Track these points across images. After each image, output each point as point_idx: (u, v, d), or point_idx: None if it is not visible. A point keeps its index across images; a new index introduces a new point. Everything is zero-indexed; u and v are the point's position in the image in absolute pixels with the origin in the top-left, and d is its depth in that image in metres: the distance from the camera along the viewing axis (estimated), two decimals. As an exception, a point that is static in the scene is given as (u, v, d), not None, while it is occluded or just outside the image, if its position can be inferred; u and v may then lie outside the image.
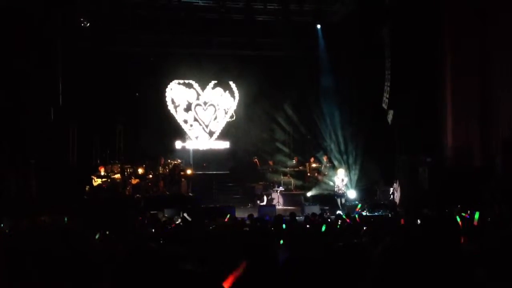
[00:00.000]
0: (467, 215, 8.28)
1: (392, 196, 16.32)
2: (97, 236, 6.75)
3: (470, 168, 14.30)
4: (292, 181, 18.79)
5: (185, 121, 20.79)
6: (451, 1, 15.25)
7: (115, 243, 6.07)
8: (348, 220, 9.62)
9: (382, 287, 2.97)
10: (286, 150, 20.74)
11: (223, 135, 21.18)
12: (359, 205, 14.90)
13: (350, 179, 17.28)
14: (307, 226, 8.97)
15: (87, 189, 16.34)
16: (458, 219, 5.82)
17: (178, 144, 20.32)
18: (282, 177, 18.94)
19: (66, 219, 9.23)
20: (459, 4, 15.03)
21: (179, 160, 18.23)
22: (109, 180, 16.75)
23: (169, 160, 17.96)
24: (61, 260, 4.03)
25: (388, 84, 16.23)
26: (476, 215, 5.94)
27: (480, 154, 14.53)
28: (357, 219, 10.15)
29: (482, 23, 14.43)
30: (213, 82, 20.99)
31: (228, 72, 20.41)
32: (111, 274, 4.09)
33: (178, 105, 20.72)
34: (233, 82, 21.03)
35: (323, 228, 7.08)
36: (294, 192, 18.44)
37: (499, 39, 14.02)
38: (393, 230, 6.28)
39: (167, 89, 20.50)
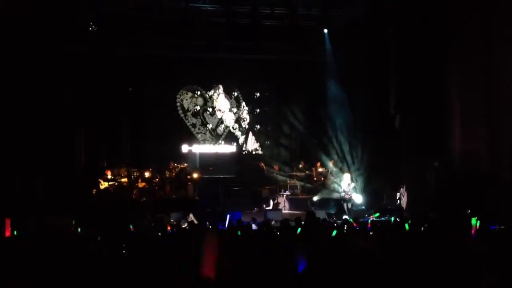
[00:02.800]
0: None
1: (399, 201, 16.25)
2: (99, 238, 6.78)
3: (477, 173, 14.22)
4: (298, 185, 18.75)
5: (193, 125, 20.84)
6: (460, 6, 15.18)
7: (120, 246, 6.09)
8: (355, 224, 9.59)
9: None
10: (292, 154, 20.74)
11: (229, 140, 21.21)
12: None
13: (357, 184, 17.23)
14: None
15: (93, 192, 16.40)
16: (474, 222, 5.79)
17: (185, 148, 20.35)
18: (288, 181, 18.91)
19: (74, 222, 9.26)
20: (465, 7, 14.96)
21: (185, 164, 18.27)
22: (116, 184, 16.80)
23: (175, 164, 18.00)
24: (67, 261, 4.05)
25: (395, 88, 16.21)
26: (473, 220, 5.91)
27: (488, 159, 14.45)
28: (369, 224, 10.11)
29: (490, 26, 14.37)
30: (219, 86, 21.05)
31: (235, 77, 20.45)
32: (116, 275, 4.10)
33: (187, 110, 20.77)
34: (239, 87, 21.06)
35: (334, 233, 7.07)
36: (300, 196, 18.40)
37: (507, 43, 13.96)
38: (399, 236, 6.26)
39: (177, 96, 20.55)
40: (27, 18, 14.30)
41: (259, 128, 21.53)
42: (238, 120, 21.32)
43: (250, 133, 21.50)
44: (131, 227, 8.30)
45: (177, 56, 19.31)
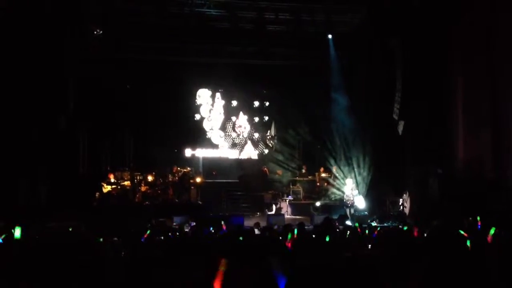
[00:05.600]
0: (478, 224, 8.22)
1: (401, 207, 16.22)
2: (101, 240, 6.79)
3: (481, 180, 14.18)
4: (301, 190, 18.74)
5: (199, 129, 20.96)
6: (461, 12, 15.20)
7: (122, 249, 6.10)
8: (359, 230, 9.56)
9: None
10: (295, 159, 20.74)
11: (236, 143, 21.24)
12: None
13: (360, 190, 17.21)
14: (313, 236, 8.90)
15: (97, 196, 16.42)
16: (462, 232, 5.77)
17: (188, 152, 20.38)
18: (291, 186, 18.90)
19: (71, 228, 9.25)
20: (469, 15, 14.98)
21: (188, 168, 18.29)
22: (118, 187, 16.83)
23: (178, 168, 18.02)
24: (70, 265, 4.06)
25: (399, 95, 16.20)
26: (492, 230, 5.87)
27: (491, 166, 14.41)
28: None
29: (492, 33, 14.37)
30: (222, 91, 21.11)
31: (238, 81, 20.46)
32: (118, 278, 4.12)
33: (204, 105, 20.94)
34: (243, 91, 21.08)
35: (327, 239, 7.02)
36: (303, 201, 18.39)
37: (509, 50, 13.94)
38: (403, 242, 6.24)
39: (184, 98, 20.67)
40: (32, 20, 14.33)
41: (262, 133, 21.56)
42: (234, 128, 21.35)
43: (253, 138, 21.52)
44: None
45: (181, 60, 19.34)
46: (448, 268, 3.69)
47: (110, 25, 17.35)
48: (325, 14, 17.72)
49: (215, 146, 20.98)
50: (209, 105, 21.12)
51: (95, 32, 17.16)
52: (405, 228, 10.23)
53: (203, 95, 21.05)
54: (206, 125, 21.03)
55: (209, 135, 21.01)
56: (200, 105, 21.00)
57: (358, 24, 17.67)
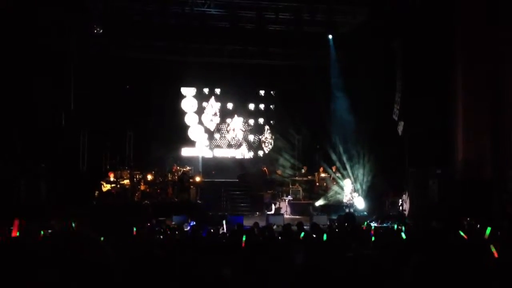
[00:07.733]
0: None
1: (401, 208, 16.23)
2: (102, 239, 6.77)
3: (481, 181, 14.20)
4: (301, 190, 18.73)
5: (196, 128, 20.92)
6: (464, 15, 15.22)
7: (122, 249, 6.07)
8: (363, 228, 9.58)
9: None
10: (295, 159, 20.74)
11: (232, 144, 21.22)
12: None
13: (359, 190, 17.19)
14: (314, 235, 8.90)
15: (96, 194, 16.41)
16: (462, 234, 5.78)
17: (185, 152, 20.34)
18: (290, 186, 18.90)
19: (73, 224, 9.23)
20: (472, 18, 14.99)
21: (188, 167, 18.28)
22: (118, 186, 16.82)
23: (178, 167, 18.02)
24: (71, 264, 4.05)
25: (399, 95, 16.21)
26: (488, 230, 5.87)
27: (491, 167, 14.43)
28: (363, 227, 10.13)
29: (495, 36, 14.38)
30: (219, 91, 21.09)
31: (237, 81, 20.43)
32: (119, 280, 4.10)
33: (189, 113, 20.86)
34: (241, 92, 21.06)
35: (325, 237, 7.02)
36: (302, 201, 18.38)
37: (511, 53, 13.96)
38: (403, 242, 6.24)
39: (183, 98, 20.65)
40: (34, 19, 14.33)
41: (262, 132, 21.56)
42: (228, 130, 21.36)
43: (253, 137, 21.52)
44: (134, 229, 8.28)
45: (182, 60, 19.35)
46: (444, 266, 3.69)
47: (110, 24, 17.34)
48: (326, 14, 17.73)
49: (201, 147, 20.97)
50: (204, 106, 21.08)
51: (95, 31, 17.15)
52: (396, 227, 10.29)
53: (199, 95, 21.01)
54: (199, 125, 21.00)
55: (200, 135, 20.99)
56: (195, 105, 20.97)
57: (359, 24, 17.66)
